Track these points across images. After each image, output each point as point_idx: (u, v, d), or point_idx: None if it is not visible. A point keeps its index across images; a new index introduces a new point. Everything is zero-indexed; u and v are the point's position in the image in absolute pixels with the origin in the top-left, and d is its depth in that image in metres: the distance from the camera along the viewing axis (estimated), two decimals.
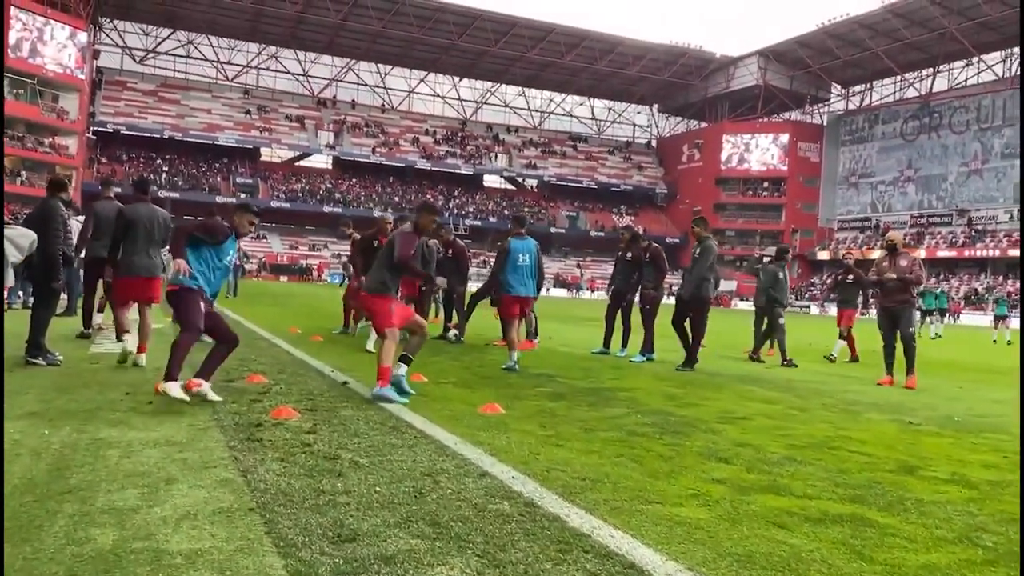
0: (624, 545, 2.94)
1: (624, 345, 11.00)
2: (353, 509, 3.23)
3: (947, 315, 28.76)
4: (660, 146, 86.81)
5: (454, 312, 12.42)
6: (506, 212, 72.91)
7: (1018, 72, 60.77)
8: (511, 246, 9.17)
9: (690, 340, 9.84)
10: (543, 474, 3.94)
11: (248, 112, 71.72)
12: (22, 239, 5.34)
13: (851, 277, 12.98)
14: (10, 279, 5.44)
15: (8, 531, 2.81)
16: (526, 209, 73.38)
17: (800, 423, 5.99)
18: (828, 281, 13.65)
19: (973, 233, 63.26)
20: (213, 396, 5.47)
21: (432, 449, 4.38)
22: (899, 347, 9.32)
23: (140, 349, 7.27)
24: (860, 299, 13.25)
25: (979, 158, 64.18)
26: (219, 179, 67.54)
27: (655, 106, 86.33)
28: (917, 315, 25.18)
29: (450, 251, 12.19)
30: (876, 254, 68.03)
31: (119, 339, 7.63)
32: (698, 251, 9.87)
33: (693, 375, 9.03)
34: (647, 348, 10.47)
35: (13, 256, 5.31)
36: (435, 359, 9.19)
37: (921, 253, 62.49)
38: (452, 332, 11.94)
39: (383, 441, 4.52)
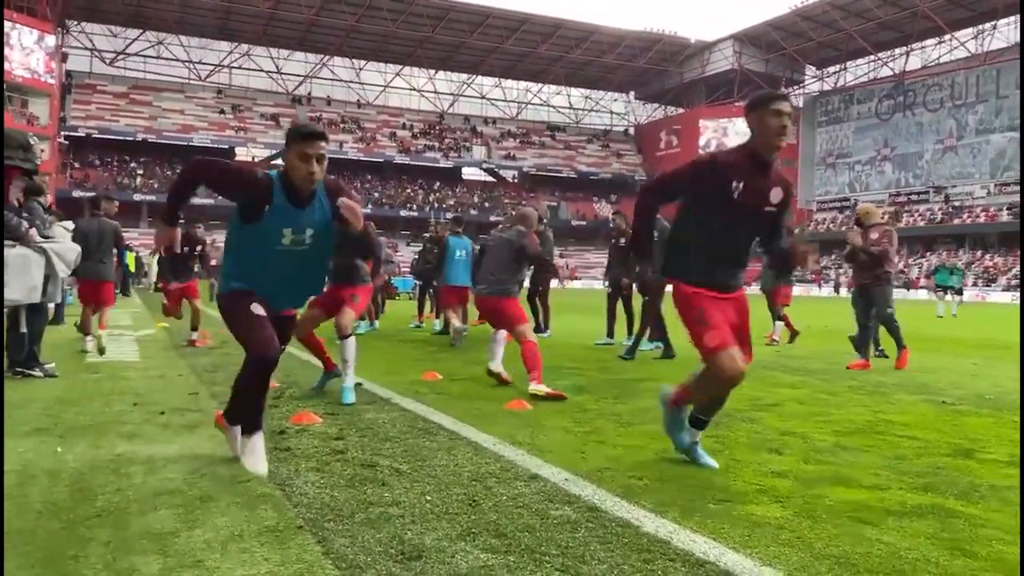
0: (709, 550, 2.73)
1: (629, 333, 10.80)
2: (408, 522, 3.00)
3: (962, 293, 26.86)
4: (638, 133, 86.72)
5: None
6: (487, 204, 72.64)
7: (990, 47, 61.20)
8: (449, 243, 10.41)
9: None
10: (596, 475, 3.72)
11: (222, 112, 70.80)
12: (69, 253, 5.07)
13: None
14: (58, 295, 5.14)
15: (41, 563, 2.55)
16: (506, 201, 73.13)
17: (835, 407, 5.82)
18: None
19: (951, 209, 63.74)
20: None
21: (471, 451, 4.15)
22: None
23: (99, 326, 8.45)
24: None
25: (954, 135, 64.61)
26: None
27: (632, 93, 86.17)
28: (931, 294, 25.67)
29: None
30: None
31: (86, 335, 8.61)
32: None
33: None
34: (655, 335, 10.28)
35: (62, 272, 5.01)
36: (442, 355, 8.97)
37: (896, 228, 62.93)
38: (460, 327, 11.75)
39: (418, 444, 4.29)
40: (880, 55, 68.85)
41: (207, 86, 73.09)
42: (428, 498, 3.30)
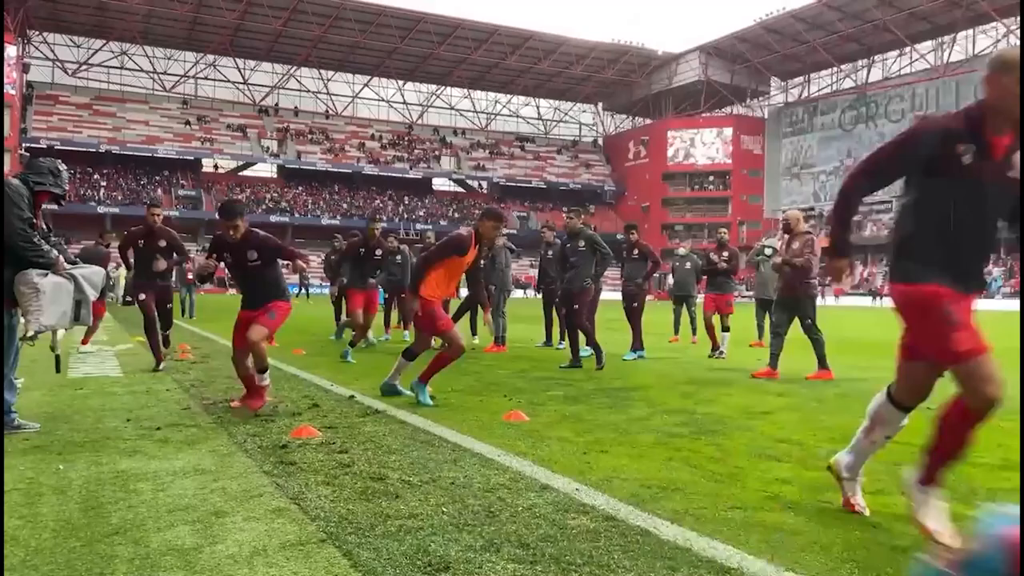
0: (731, 557, 2.78)
1: (561, 339, 10.93)
2: (429, 533, 3.01)
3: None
4: (606, 144, 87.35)
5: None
6: (456, 215, 72.59)
7: (949, 60, 62.66)
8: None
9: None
10: (605, 484, 3.76)
11: (188, 123, 70.04)
12: (95, 276, 5.07)
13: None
14: (90, 318, 5.11)
15: None
16: (476, 212, 73.14)
17: (826, 414, 5.92)
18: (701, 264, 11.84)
19: None
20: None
21: (477, 462, 4.17)
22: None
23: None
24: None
25: None
26: (160, 192, 65.74)
27: (600, 104, 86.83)
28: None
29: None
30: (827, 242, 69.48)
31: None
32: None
33: (698, 372, 8.92)
34: (637, 345, 10.37)
35: (92, 295, 4.99)
36: None
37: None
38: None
39: (423, 456, 4.30)
40: (843, 67, 70.19)
41: (172, 96, 72.33)
42: (444, 510, 3.32)
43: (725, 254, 11.19)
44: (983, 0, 54.65)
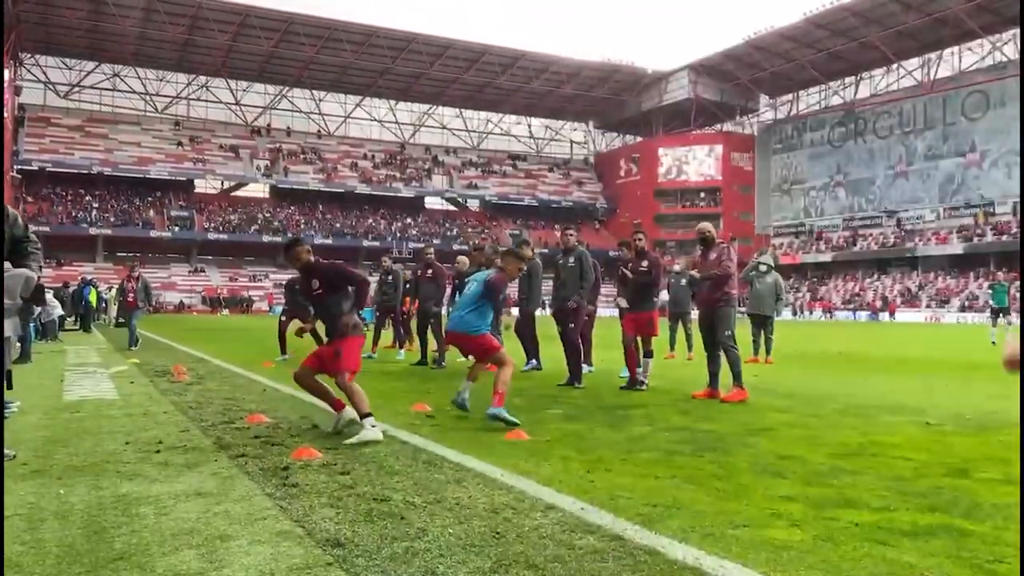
0: (739, 575, 2.78)
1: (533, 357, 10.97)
2: (437, 555, 3.00)
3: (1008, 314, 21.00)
4: (598, 162, 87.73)
5: (429, 335, 12.10)
6: (449, 234, 72.67)
7: (936, 76, 63.27)
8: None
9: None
10: (611, 503, 3.75)
11: (180, 144, 70.09)
12: (13, 282, 4.81)
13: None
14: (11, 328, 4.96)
15: None
16: (469, 230, 73.34)
17: (825, 430, 5.93)
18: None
19: (903, 233, 65.36)
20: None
21: (480, 483, 4.15)
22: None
23: None
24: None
25: (903, 161, 66.43)
26: (152, 213, 65.73)
27: (591, 122, 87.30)
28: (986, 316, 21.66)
29: (430, 271, 11.99)
30: (816, 256, 69.95)
31: None
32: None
33: (696, 389, 8.89)
34: (587, 361, 10.37)
35: (9, 303, 4.69)
36: (427, 386, 8.94)
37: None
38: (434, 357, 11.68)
39: (426, 477, 4.28)
40: (831, 84, 70.76)
41: (164, 118, 72.45)
42: (451, 531, 3.30)
43: (644, 263, 8.92)
44: (968, 17, 55.23)
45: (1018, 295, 36.05)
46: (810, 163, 73.81)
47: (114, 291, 28.21)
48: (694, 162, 77.85)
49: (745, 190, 77.41)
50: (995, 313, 20.24)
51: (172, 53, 66.54)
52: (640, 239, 9.18)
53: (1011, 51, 58.18)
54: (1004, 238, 57.00)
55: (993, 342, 18.82)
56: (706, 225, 8.42)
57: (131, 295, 15.61)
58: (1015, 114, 57.31)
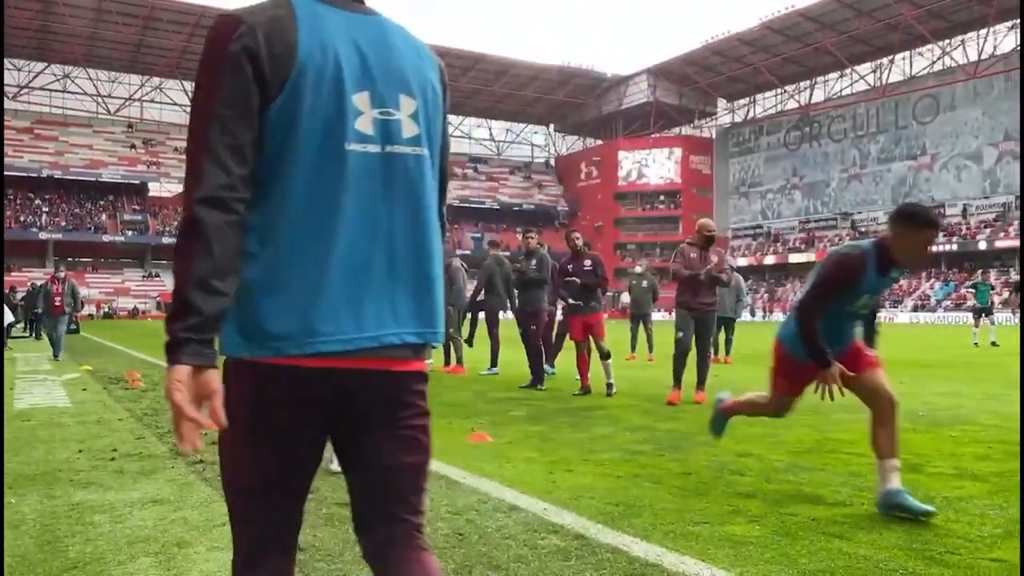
0: (701, 571, 2.81)
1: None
2: None
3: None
4: (559, 165, 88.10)
5: None
6: None
7: (887, 81, 64.67)
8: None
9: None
10: (573, 502, 3.77)
11: (133, 146, 68.91)
12: None
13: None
14: None
15: None
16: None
17: (782, 428, 6.00)
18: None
19: (857, 235, 66.61)
20: None
21: (443, 485, 4.14)
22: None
23: None
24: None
25: (857, 164, 67.77)
26: (105, 217, 64.46)
27: (552, 125, 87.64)
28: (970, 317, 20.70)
29: None
30: (774, 255, 70.98)
31: None
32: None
33: (656, 390, 8.97)
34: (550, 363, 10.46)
35: None
36: None
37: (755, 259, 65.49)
38: None
39: None
40: (787, 88, 71.90)
41: (117, 120, 71.10)
42: None
43: (587, 261, 8.63)
44: (918, 23, 56.57)
45: (998, 295, 36.83)
46: (767, 166, 74.94)
47: (22, 294, 26.93)
48: (654, 165, 78.56)
49: (704, 193, 78.29)
50: (977, 313, 19.94)
51: (125, 54, 65.36)
52: (577, 238, 8.85)
53: (960, 56, 59.72)
54: (954, 239, 58.41)
55: (976, 343, 18.97)
56: (709, 221, 8.14)
57: (57, 299, 14.48)
58: (964, 118, 58.87)
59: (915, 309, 55.19)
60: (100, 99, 70.31)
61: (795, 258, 69.68)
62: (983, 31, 56.80)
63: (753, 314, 60.58)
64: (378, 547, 1.52)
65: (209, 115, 1.33)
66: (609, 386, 8.25)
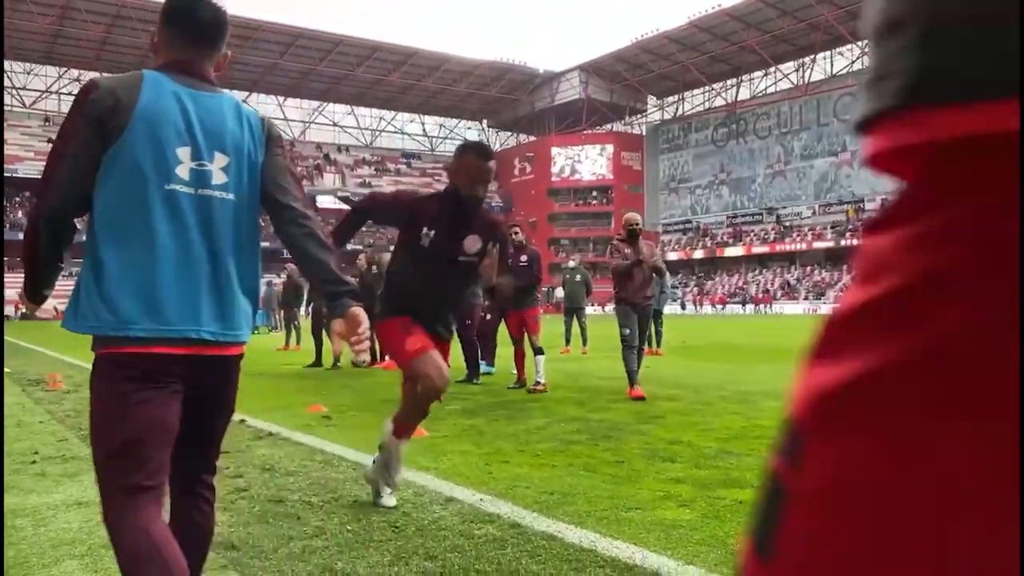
0: (634, 555, 2.88)
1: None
2: (335, 552, 2.98)
3: None
4: None
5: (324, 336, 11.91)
6: None
7: (810, 80, 66.63)
8: None
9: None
10: (509, 492, 3.81)
11: (50, 141, 66.11)
12: None
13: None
14: None
15: None
16: (364, 229, 72.28)
17: (712, 416, 6.18)
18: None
19: (782, 229, 68.53)
20: None
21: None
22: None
23: None
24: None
25: (781, 160, 69.63)
26: (21, 215, 61.90)
27: (485, 121, 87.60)
28: None
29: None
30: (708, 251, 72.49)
31: None
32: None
33: (590, 381, 9.09)
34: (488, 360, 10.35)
35: None
36: (323, 387, 8.80)
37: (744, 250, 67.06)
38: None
39: (323, 476, 4.24)
40: (714, 86, 73.43)
41: (33, 113, 68.32)
42: (349, 527, 3.29)
43: (523, 257, 8.75)
44: (839, 23, 58.39)
45: None
46: (695, 162, 76.40)
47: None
48: (586, 161, 79.29)
49: (635, 189, 79.38)
50: None
51: (40, 45, 62.83)
52: (516, 232, 8.86)
53: None
54: None
55: None
56: (635, 215, 8.09)
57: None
58: None
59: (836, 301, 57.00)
60: (15, 91, 67.49)
61: (723, 252, 71.29)
62: None
63: (684, 307, 61.82)
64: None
65: (61, 153, 1.85)
66: (537, 383, 8.03)
